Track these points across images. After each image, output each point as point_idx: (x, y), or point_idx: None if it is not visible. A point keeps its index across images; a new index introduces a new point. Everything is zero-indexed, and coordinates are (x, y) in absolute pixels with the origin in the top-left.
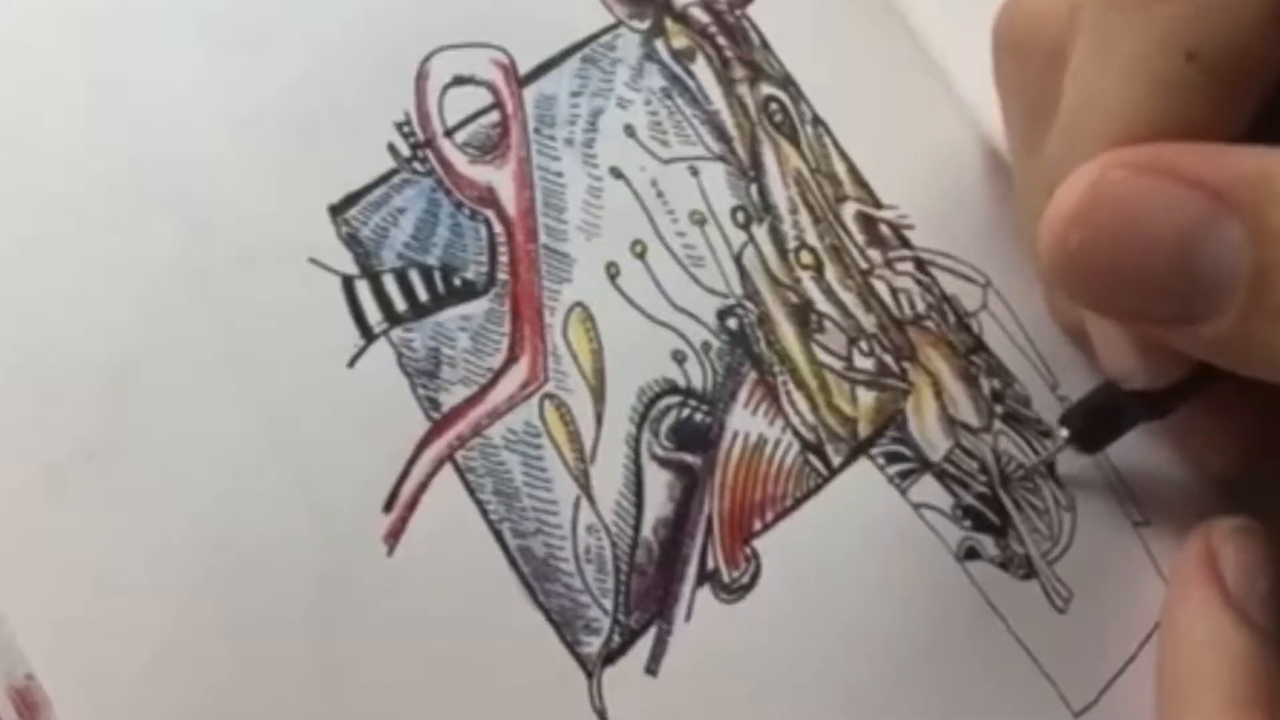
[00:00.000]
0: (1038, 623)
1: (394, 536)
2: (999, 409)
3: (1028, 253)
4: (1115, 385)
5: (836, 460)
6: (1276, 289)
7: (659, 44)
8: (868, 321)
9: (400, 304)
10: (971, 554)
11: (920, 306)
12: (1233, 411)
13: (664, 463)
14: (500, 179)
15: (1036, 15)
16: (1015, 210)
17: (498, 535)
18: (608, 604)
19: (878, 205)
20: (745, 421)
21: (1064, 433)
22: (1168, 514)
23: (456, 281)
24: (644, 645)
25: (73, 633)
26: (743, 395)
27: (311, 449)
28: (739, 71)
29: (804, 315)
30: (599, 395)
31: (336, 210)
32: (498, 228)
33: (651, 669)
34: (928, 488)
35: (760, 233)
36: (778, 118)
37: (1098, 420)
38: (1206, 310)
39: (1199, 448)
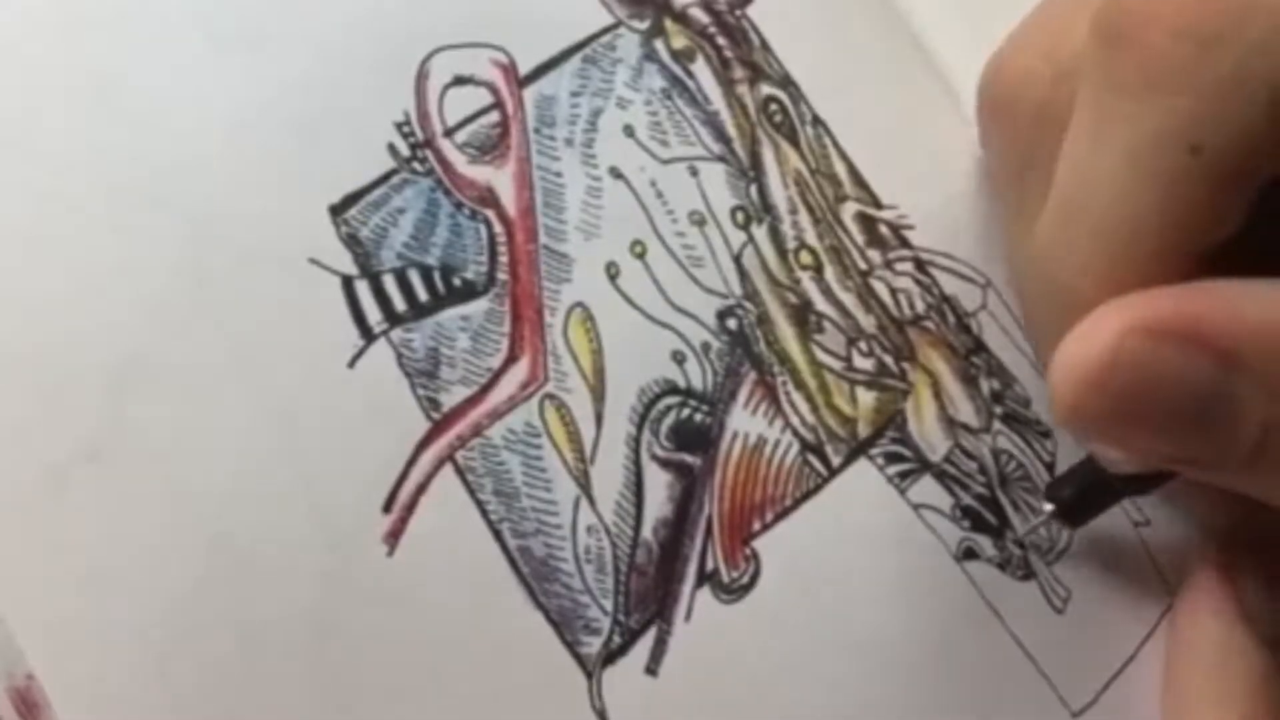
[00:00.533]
0: (1036, 623)
1: (394, 537)
2: (998, 410)
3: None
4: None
5: (836, 460)
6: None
7: (659, 44)
8: (867, 322)
9: (400, 304)
10: (970, 554)
11: (920, 307)
12: None
13: (664, 463)
14: (500, 179)
15: (1021, 77)
16: (1006, 259)
17: (497, 535)
18: (608, 604)
19: (878, 206)
20: (745, 422)
21: (1048, 507)
22: (1168, 513)
23: (456, 282)
24: (644, 645)
25: (73, 633)
26: (742, 395)
27: (312, 449)
28: (739, 72)
29: (803, 316)
30: (599, 395)
31: (336, 210)
32: (497, 228)
33: (651, 669)
34: (927, 488)
35: (760, 233)
36: (777, 118)
37: (1083, 495)
38: (1215, 458)
39: (1191, 502)
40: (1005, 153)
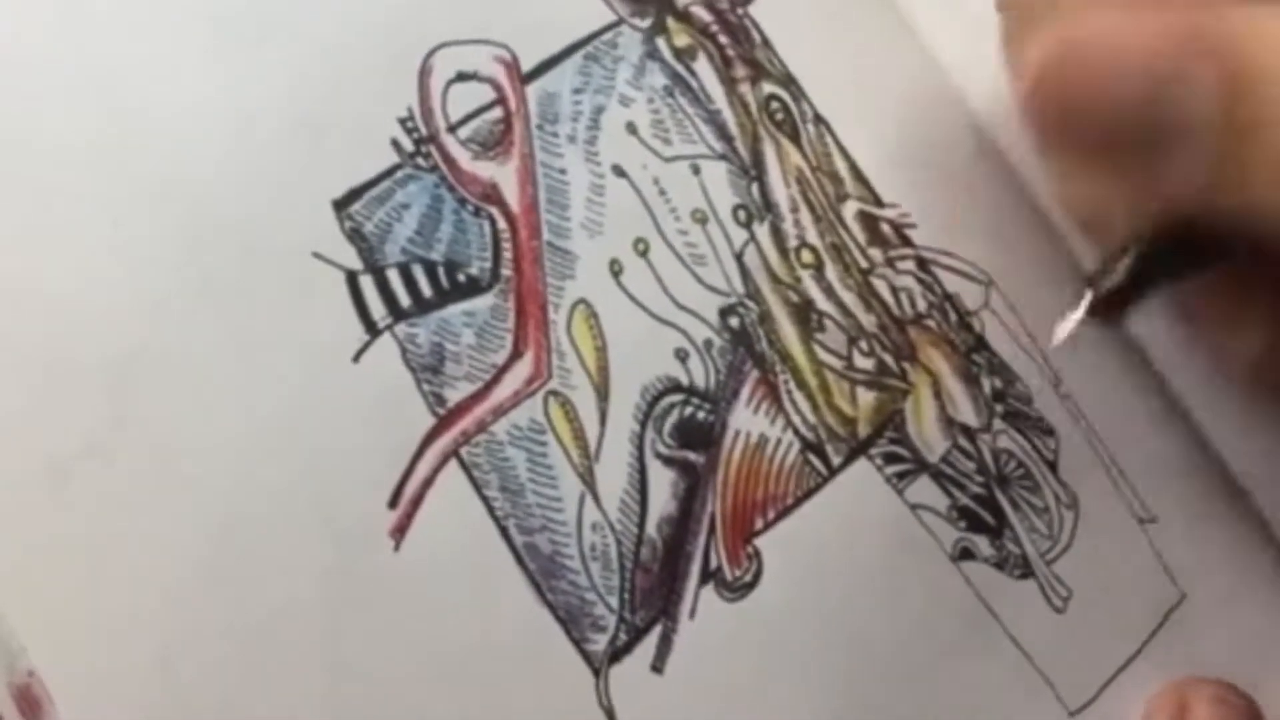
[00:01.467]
0: (1034, 622)
1: (400, 532)
2: (1000, 408)
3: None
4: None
5: (836, 460)
6: (1245, 129)
7: (661, 42)
8: (868, 321)
9: (404, 299)
10: (966, 554)
11: (921, 305)
12: (1254, 289)
13: (667, 461)
14: (503, 175)
15: None
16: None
17: (503, 531)
18: (613, 601)
19: (879, 204)
20: (747, 420)
21: (1089, 295)
22: (1174, 510)
23: (460, 277)
24: (650, 643)
25: (75, 629)
26: (745, 394)
27: (316, 444)
28: (740, 70)
29: (805, 314)
30: (603, 393)
31: (340, 205)
32: (501, 224)
33: (657, 667)
34: (924, 489)
35: (761, 231)
36: (779, 116)
37: (1122, 286)
38: (1179, 153)
39: (1217, 329)
40: None
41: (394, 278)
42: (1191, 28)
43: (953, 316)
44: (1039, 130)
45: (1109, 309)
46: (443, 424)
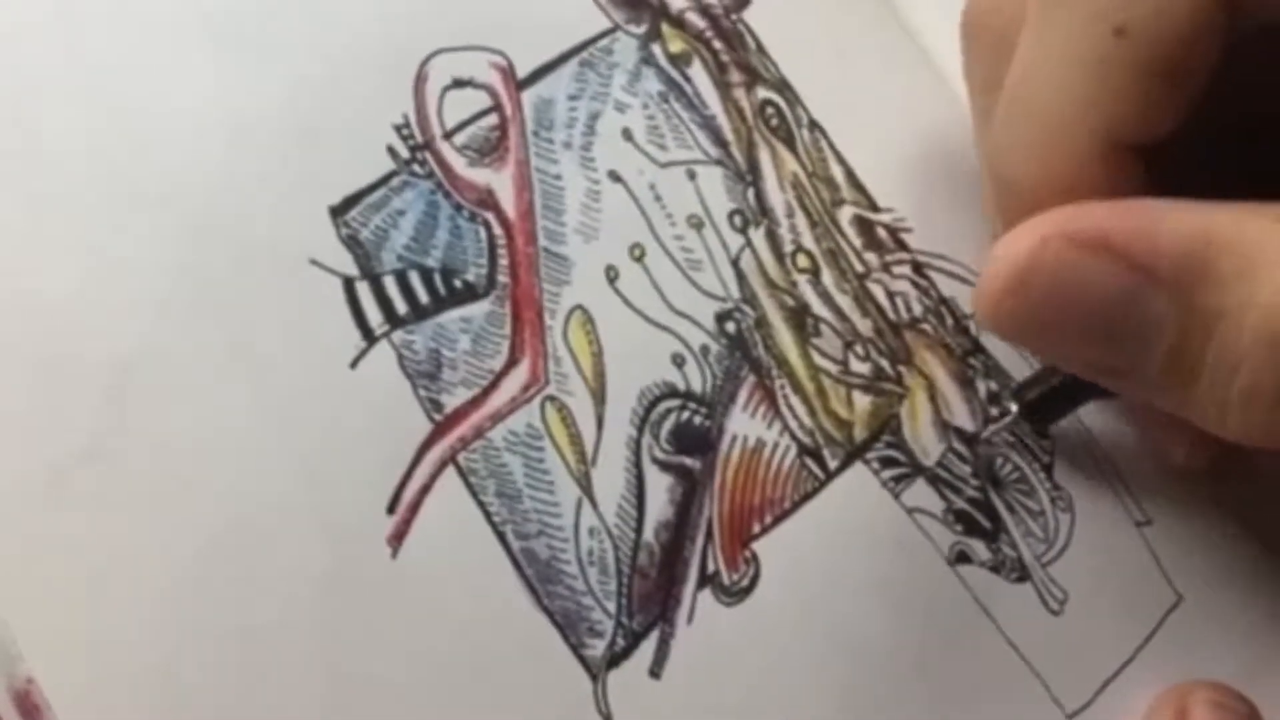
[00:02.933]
0: (1030, 625)
1: (398, 538)
2: (995, 410)
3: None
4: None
5: (833, 464)
6: (1191, 356)
7: (655, 48)
8: (864, 325)
9: (401, 306)
10: (962, 558)
11: (917, 309)
12: None
13: (664, 466)
14: (499, 181)
15: (990, 4)
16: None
17: (501, 537)
18: (611, 606)
19: (875, 208)
20: (744, 425)
21: (1014, 408)
22: (1171, 512)
23: (457, 284)
24: (647, 648)
25: (73, 635)
26: (741, 398)
27: (314, 451)
28: (735, 76)
29: (800, 319)
30: (600, 398)
31: (337, 212)
32: (497, 230)
33: (655, 672)
34: (920, 492)
35: (757, 236)
36: (774, 122)
37: (1048, 396)
38: (1127, 370)
39: (1161, 439)
40: (974, 74)
41: (390, 284)
42: (1145, 259)
43: (949, 320)
44: (1001, 337)
45: (1035, 417)
46: (440, 430)
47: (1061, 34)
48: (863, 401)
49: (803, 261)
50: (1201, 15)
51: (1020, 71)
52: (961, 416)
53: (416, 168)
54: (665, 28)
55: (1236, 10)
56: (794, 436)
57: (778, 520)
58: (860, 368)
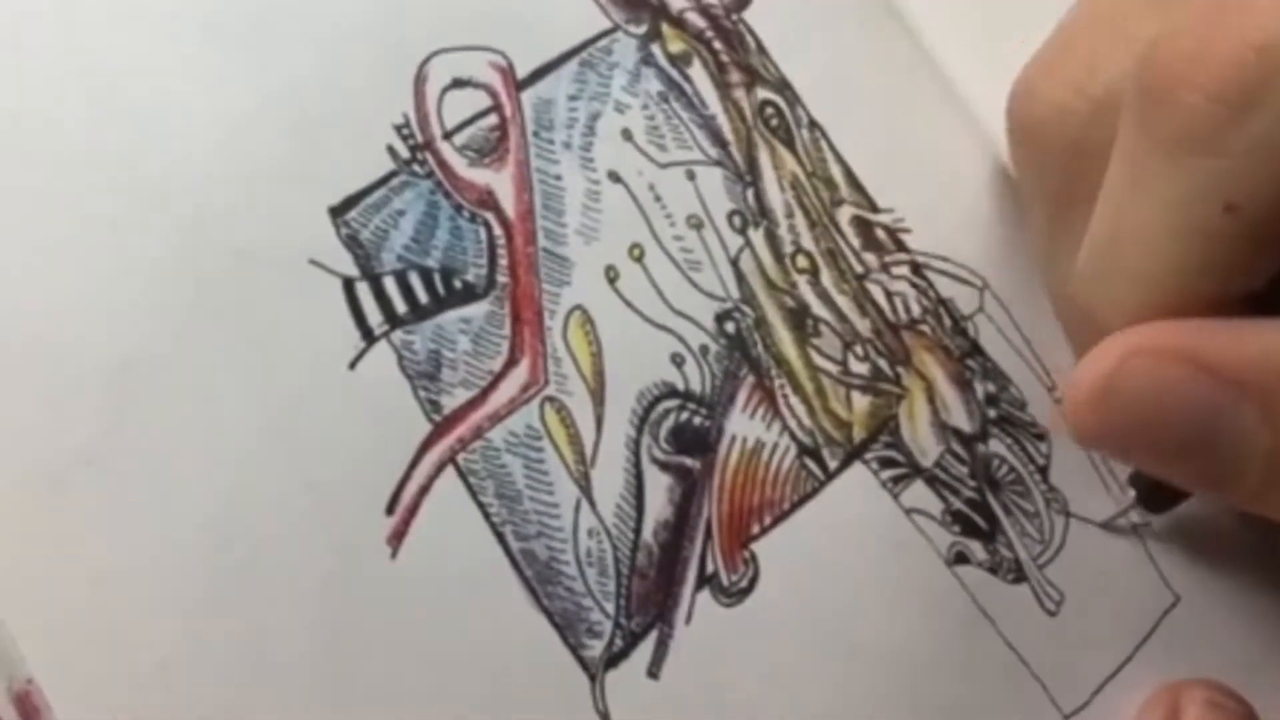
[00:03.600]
0: (1028, 626)
1: (397, 539)
2: (993, 413)
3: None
4: None
5: (832, 464)
6: None
7: (655, 49)
8: (863, 325)
9: (401, 306)
10: (960, 559)
11: (916, 310)
12: None
13: (664, 466)
14: (499, 182)
15: (1056, 111)
16: (1045, 283)
17: (500, 538)
18: (610, 607)
19: (874, 209)
20: (743, 425)
21: (1131, 493)
22: (1169, 514)
23: (456, 284)
24: (646, 648)
25: (74, 637)
26: (741, 399)
27: (313, 451)
28: (735, 76)
29: (800, 319)
30: (599, 398)
31: (336, 212)
32: (497, 230)
33: (653, 672)
34: (918, 493)
35: (756, 237)
36: (774, 122)
37: (1163, 484)
38: (1223, 484)
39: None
40: (1042, 184)
41: (390, 285)
42: (1234, 373)
43: (947, 321)
44: (1085, 445)
45: (1152, 503)
46: (439, 431)
47: (1164, 201)
48: (862, 402)
49: (802, 262)
50: None
51: (1114, 226)
52: (959, 418)
53: (416, 168)
54: (665, 28)
55: None
56: (793, 437)
57: (777, 521)
58: (859, 368)
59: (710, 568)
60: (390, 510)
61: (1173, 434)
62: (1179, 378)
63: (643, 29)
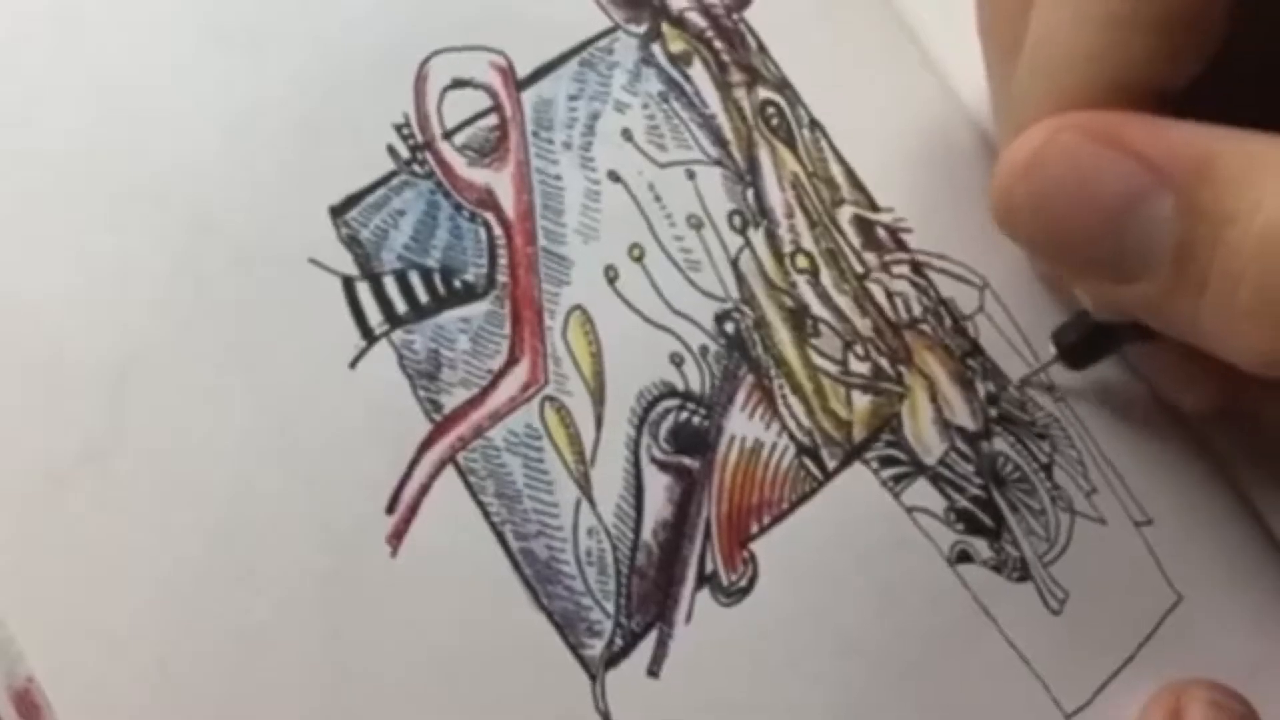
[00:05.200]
0: (1031, 625)
1: (397, 538)
2: (994, 412)
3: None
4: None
5: (831, 464)
6: (1198, 264)
7: (656, 48)
8: (863, 325)
9: (401, 305)
10: (964, 557)
11: (916, 310)
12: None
13: (663, 466)
14: (499, 181)
15: None
16: (997, 138)
17: (500, 537)
18: (609, 606)
19: (874, 208)
20: (742, 425)
21: (1052, 350)
22: (1171, 512)
23: (456, 284)
24: (646, 648)
25: (73, 635)
26: (740, 398)
27: (313, 451)
28: (736, 75)
29: (800, 319)
30: (598, 398)
31: (337, 211)
32: (497, 230)
33: (653, 671)
34: (921, 491)
35: (756, 237)
36: (774, 121)
37: (1085, 340)
38: (1135, 274)
39: (1172, 384)
40: (993, 34)
41: (390, 284)
42: (1155, 158)
43: (948, 321)
44: (1010, 232)
45: (1073, 359)
46: (439, 430)
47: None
48: (862, 401)
49: (802, 262)
50: None
51: (1038, 34)
52: (963, 416)
53: (416, 167)
54: (666, 27)
55: None
56: (792, 436)
57: (776, 520)
58: (860, 368)
59: (710, 567)
60: (391, 509)
61: (1091, 214)
62: (1104, 155)
63: (643, 28)
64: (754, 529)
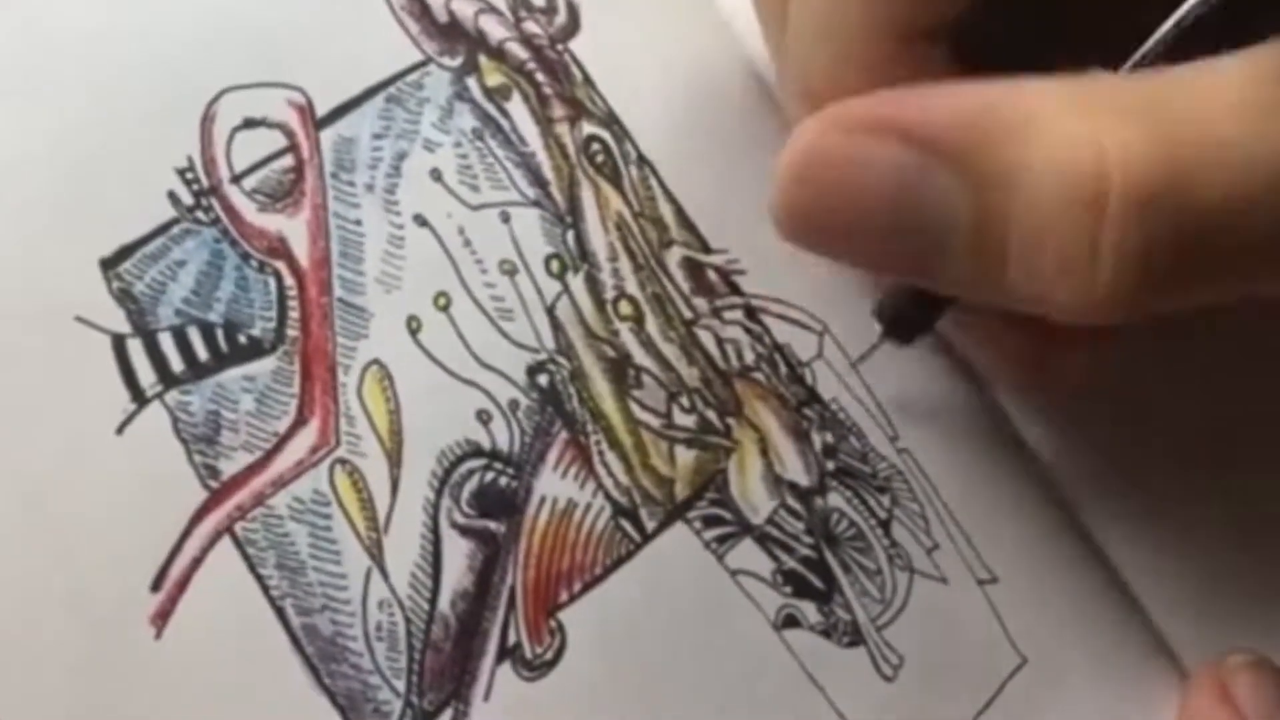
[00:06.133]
0: (861, 693)
1: (162, 618)
2: (830, 464)
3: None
4: None
5: (651, 525)
6: (994, 234)
7: (471, 82)
8: (690, 375)
9: (177, 364)
10: (790, 622)
11: (749, 357)
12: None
13: (465, 531)
14: (293, 228)
15: None
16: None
17: (280, 613)
18: (399, 685)
19: (706, 250)
20: (554, 485)
21: (878, 327)
22: (1017, 568)
23: (241, 339)
24: None
25: None
26: (552, 457)
27: (72, 524)
28: (558, 110)
29: (621, 370)
30: (395, 460)
31: (108, 264)
32: (289, 280)
33: None
34: (746, 552)
35: (576, 282)
36: (599, 158)
37: (907, 307)
38: (935, 258)
39: (992, 356)
40: (765, 13)
41: (166, 341)
42: (923, 132)
43: (783, 369)
44: (797, 242)
45: (898, 333)
46: (215, 498)
47: None
48: (686, 457)
49: (625, 308)
50: None
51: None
52: (796, 470)
53: (201, 214)
54: (483, 60)
55: None
56: (608, 496)
57: (588, 587)
58: (685, 420)
59: (513, 639)
60: (156, 586)
61: (871, 207)
62: (868, 145)
63: (458, 61)
64: (563, 596)
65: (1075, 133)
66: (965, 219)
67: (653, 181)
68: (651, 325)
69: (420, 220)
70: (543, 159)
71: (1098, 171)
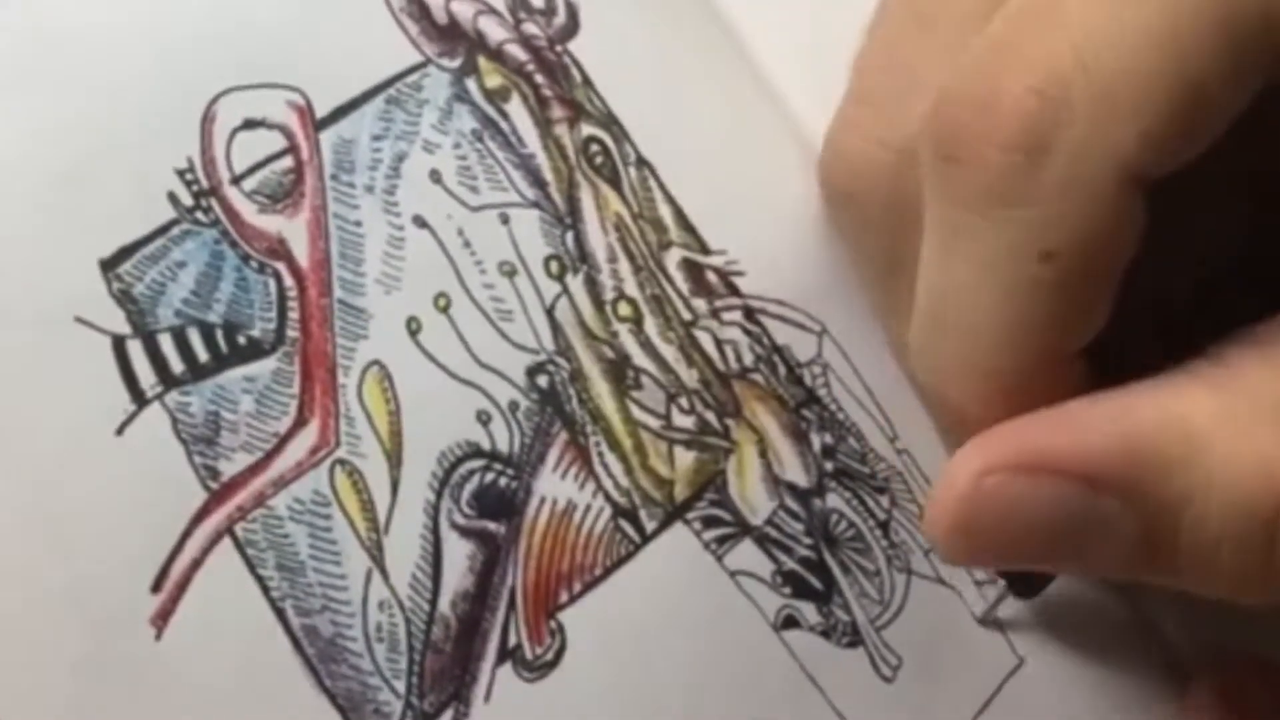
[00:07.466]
0: (860, 693)
1: (162, 618)
2: (829, 465)
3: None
4: None
5: (650, 526)
6: (1164, 547)
7: (470, 83)
8: (689, 376)
9: (177, 365)
10: (790, 623)
11: (748, 358)
12: None
13: (464, 532)
14: (292, 229)
15: (862, 165)
16: (889, 346)
17: (280, 614)
18: (400, 686)
19: (705, 251)
20: (554, 486)
21: (1001, 581)
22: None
23: (241, 340)
24: None
25: None
26: (552, 458)
27: (72, 525)
28: (558, 111)
29: (620, 371)
30: (395, 460)
31: (108, 265)
32: (288, 281)
33: None
34: (746, 553)
35: (575, 283)
36: (598, 160)
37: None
38: (1098, 567)
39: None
40: (864, 248)
41: (166, 342)
42: (1084, 468)
43: (782, 370)
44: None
45: (1022, 589)
46: (215, 499)
47: (979, 260)
48: (685, 458)
49: (624, 309)
50: (1122, 208)
51: (934, 294)
52: (794, 472)
53: (200, 215)
54: (482, 61)
55: (1146, 186)
56: (608, 497)
57: (588, 588)
58: (684, 422)
59: (513, 640)
60: (156, 587)
61: (1041, 543)
62: (1033, 488)
63: (457, 63)
64: (563, 597)
65: (1242, 456)
66: (1132, 535)
67: (652, 183)
68: (650, 326)
69: (420, 221)
70: (542, 160)
71: (1269, 488)
